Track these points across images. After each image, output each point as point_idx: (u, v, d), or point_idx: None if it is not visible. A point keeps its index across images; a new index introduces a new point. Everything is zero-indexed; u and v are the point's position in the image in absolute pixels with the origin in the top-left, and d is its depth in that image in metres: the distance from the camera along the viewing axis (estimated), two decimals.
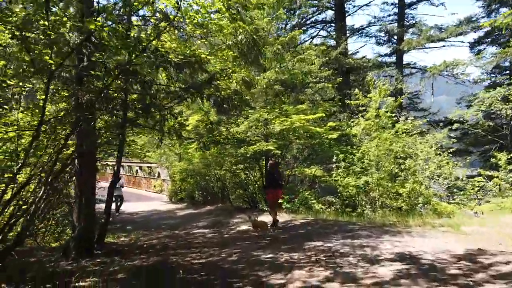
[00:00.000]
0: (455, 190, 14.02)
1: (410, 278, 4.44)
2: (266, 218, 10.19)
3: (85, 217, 6.89)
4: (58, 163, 5.94)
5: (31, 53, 4.77)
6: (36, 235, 8.10)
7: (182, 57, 6.43)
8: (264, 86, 12.35)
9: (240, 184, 15.04)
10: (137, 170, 26.70)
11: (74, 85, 6.05)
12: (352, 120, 12.90)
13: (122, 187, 15.91)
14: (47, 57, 4.84)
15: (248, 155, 12.78)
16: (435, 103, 22.83)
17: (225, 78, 6.89)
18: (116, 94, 7.58)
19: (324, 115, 12.45)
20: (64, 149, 6.68)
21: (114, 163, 29.61)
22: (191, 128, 13.97)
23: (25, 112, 6.77)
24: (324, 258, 5.70)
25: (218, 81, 6.93)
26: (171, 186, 19.37)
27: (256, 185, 14.72)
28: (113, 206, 15.04)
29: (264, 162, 14.21)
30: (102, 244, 7.56)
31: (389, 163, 11.86)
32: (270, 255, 6.18)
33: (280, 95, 13.22)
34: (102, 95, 5.95)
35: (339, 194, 13.52)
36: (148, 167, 24.87)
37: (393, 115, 11.71)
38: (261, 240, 7.72)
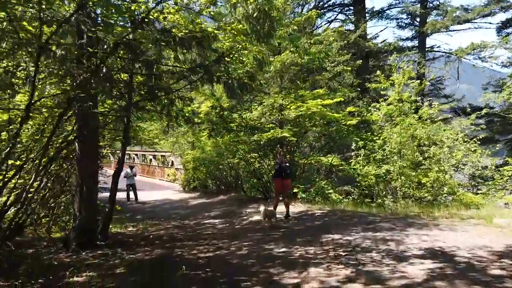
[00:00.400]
0: (479, 179, 13.21)
1: (446, 280, 3.82)
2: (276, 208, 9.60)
3: (86, 207, 6.46)
4: (51, 147, 5.48)
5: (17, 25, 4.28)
6: (38, 225, 7.75)
7: (186, 31, 5.85)
8: (279, 69, 11.67)
9: (254, 173, 14.49)
10: (151, 159, 26.51)
11: (70, 64, 5.55)
12: (373, 104, 12.14)
13: (135, 175, 15.64)
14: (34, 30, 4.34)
15: (262, 143, 12.19)
16: (457, 91, 21.68)
17: (235, 56, 6.25)
18: (119, 76, 7.10)
19: (342, 99, 11.71)
20: (58, 132, 6.25)
21: (128, 152, 29.33)
22: (203, 115, 13.45)
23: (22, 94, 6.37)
24: (344, 254, 5.11)
25: (227, 60, 6.32)
26: (184, 175, 18.99)
27: (271, 174, 14.14)
28: (131, 195, 14.89)
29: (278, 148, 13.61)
30: (107, 234, 7.14)
31: (412, 150, 11.11)
32: (284, 249, 5.63)
33: (296, 79, 12.52)
34: (99, 73, 5.43)
35: (357, 184, 12.90)
36: (162, 156, 24.61)
37: (417, 98, 10.90)
38: (274, 232, 7.17)
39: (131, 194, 15.22)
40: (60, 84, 5.63)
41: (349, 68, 13.22)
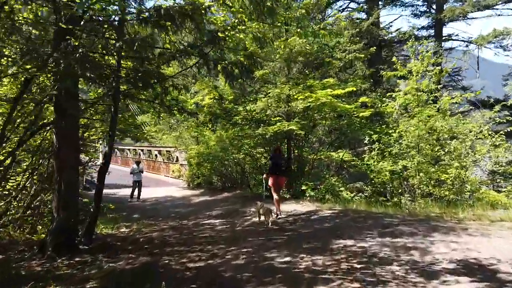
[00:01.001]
0: (500, 176, 12.22)
1: None
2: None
3: (65, 205, 5.72)
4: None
5: None
6: (20, 226, 7.05)
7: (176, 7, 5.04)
8: (286, 57, 10.81)
9: (260, 169, 13.68)
10: (156, 155, 25.88)
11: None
12: (388, 94, 11.18)
13: (142, 172, 14.64)
14: None
15: (267, 137, 11.35)
16: (476, 83, 20.51)
17: (231, 33, 5.40)
18: (102, 59, 6.34)
19: (355, 89, 10.79)
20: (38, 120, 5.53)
21: (134, 147, 28.65)
22: (206, 108, 12.68)
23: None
24: (359, 266, 4.28)
25: (222, 36, 5.47)
26: (188, 171, 18.26)
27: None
28: (135, 192, 14.06)
29: (286, 145, 12.79)
30: (92, 237, 6.40)
31: (431, 144, 10.17)
32: (287, 259, 4.81)
33: (304, 68, 11.64)
34: (74, 54, 4.65)
35: (370, 181, 12.01)
36: (167, 151, 23.93)
37: (439, 86, 9.93)
38: (277, 236, 6.36)
39: (136, 192, 14.32)
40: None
41: (362, 56, 12.25)
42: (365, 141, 10.79)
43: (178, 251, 5.59)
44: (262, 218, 7.92)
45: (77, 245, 5.99)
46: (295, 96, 10.30)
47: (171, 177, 22.37)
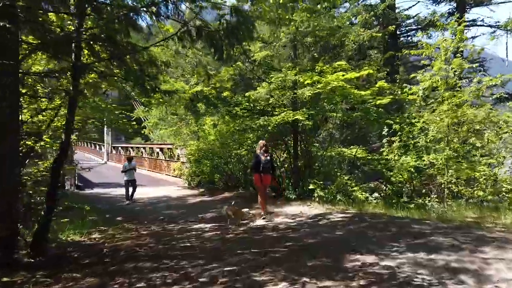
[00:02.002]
0: None
1: None
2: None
3: None
4: None
5: None
6: None
7: None
8: (292, 37, 9.41)
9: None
10: (158, 153, 24.67)
11: None
12: (412, 75, 9.67)
13: (135, 170, 12.90)
14: None
15: (269, 128, 9.94)
16: (505, 69, 18.74)
17: None
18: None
19: (372, 71, 9.31)
20: None
21: (137, 145, 27.44)
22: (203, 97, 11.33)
23: None
24: None
25: None
26: (189, 169, 16.95)
27: (283, 168, 11.93)
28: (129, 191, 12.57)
29: (292, 139, 11.39)
30: (43, 248, 5.09)
31: (461, 136, 8.68)
32: (284, 284, 3.42)
33: (313, 51, 10.22)
34: None
35: (387, 179, 10.57)
36: (168, 148, 22.68)
37: (475, 65, 8.41)
38: (275, 247, 4.95)
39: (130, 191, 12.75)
40: None
41: (379, 35, 10.75)
42: (384, 132, 9.30)
43: (140, 269, 4.23)
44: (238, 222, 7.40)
45: (19, 259, 4.69)
46: (302, 80, 8.87)
47: (172, 176, 21.11)
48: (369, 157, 11.27)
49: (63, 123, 7.27)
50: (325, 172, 11.15)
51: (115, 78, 5.89)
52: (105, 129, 42.43)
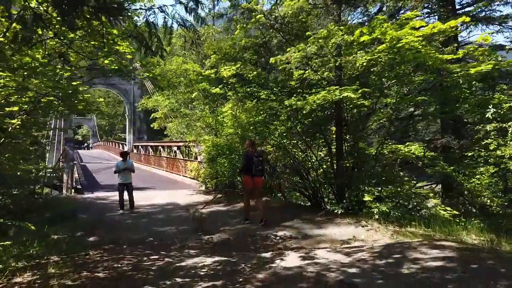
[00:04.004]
0: None
1: None
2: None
3: None
4: None
5: None
6: None
7: None
8: None
9: (295, 168, 9.38)
10: (175, 151, 22.20)
11: None
12: None
13: (132, 170, 9.80)
14: None
15: (304, 113, 7.02)
16: None
17: None
18: None
19: (467, 19, 6.18)
20: None
21: (155, 144, 25.02)
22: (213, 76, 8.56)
23: None
24: None
25: None
26: (205, 169, 14.23)
27: (321, 170, 8.93)
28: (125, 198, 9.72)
29: (335, 132, 8.45)
30: None
31: None
32: None
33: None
34: None
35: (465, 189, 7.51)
36: (185, 147, 20.12)
37: None
38: None
39: (125, 196, 9.63)
40: None
41: None
42: (489, 115, 6.14)
43: None
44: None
45: None
46: (354, 37, 5.88)
47: (189, 177, 18.49)
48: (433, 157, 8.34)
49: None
50: (380, 176, 8.09)
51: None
52: (127, 127, 40.93)
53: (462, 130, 12.44)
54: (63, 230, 7.15)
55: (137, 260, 4.91)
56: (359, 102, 6.17)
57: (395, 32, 5.92)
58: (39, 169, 12.31)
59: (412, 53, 6.01)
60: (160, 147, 25.88)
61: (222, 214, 8.70)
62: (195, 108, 13.17)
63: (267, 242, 5.94)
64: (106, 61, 5.42)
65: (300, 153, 9.44)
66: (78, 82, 5.91)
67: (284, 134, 9.35)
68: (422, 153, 8.40)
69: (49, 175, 18.51)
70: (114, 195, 12.57)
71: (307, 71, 6.75)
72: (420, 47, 5.93)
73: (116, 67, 6.40)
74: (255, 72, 8.00)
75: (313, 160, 8.91)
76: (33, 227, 5.37)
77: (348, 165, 7.79)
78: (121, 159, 9.84)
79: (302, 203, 9.83)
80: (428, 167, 9.22)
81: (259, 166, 7.27)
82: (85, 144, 72.57)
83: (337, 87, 6.33)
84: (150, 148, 29.27)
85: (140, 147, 33.15)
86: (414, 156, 8.55)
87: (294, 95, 6.79)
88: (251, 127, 9.68)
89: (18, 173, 9.26)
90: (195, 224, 7.21)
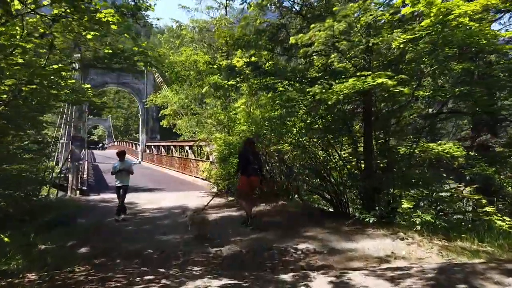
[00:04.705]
0: None
1: None
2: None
3: None
4: None
5: None
6: None
7: None
8: None
9: (316, 169, 8.37)
10: (187, 151, 21.40)
11: None
12: None
13: (130, 172, 8.69)
14: None
15: (327, 106, 6.01)
16: None
17: None
18: None
19: None
20: None
21: (167, 143, 24.33)
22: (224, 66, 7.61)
23: None
24: None
25: None
26: (217, 169, 13.33)
27: (345, 170, 7.88)
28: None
29: (362, 128, 7.44)
30: None
31: None
32: None
33: None
34: None
35: None
36: (198, 146, 19.25)
37: None
38: None
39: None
40: None
41: None
42: None
43: None
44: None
45: None
46: (392, 11, 4.86)
47: (201, 178, 17.66)
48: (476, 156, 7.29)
49: None
50: (417, 179, 7.01)
51: None
52: (140, 126, 40.44)
53: (496, 127, 11.30)
54: (54, 238, 6.34)
55: (128, 281, 4.00)
56: (397, 90, 5.13)
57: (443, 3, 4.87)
58: (39, 169, 11.63)
59: (461, 31, 4.96)
60: (172, 147, 25.16)
61: (234, 220, 7.75)
62: (206, 105, 12.27)
63: (286, 257, 4.96)
64: (89, 36, 4.56)
65: (320, 152, 8.44)
66: (60, 66, 5.09)
67: (303, 131, 8.37)
68: (459, 152, 7.27)
69: (58, 175, 18.00)
70: (129, 198, 11.77)
71: (332, 56, 5.74)
72: (472, 23, 4.88)
73: (110, 50, 5.51)
74: (271, 62, 7.01)
75: (336, 160, 7.89)
76: (6, 239, 4.51)
77: (380, 165, 6.75)
78: (118, 159, 8.77)
79: (324, 207, 8.81)
80: (465, 168, 8.13)
81: (256, 165, 6.93)
82: (100, 145, 72.85)
83: (369, 72, 5.31)
84: (162, 148, 28.61)
85: (152, 147, 32.61)
86: (448, 155, 7.46)
87: (318, 83, 5.77)
88: (266, 123, 8.72)
89: (13, 173, 8.53)
90: (194, 229, 6.55)
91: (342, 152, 8.41)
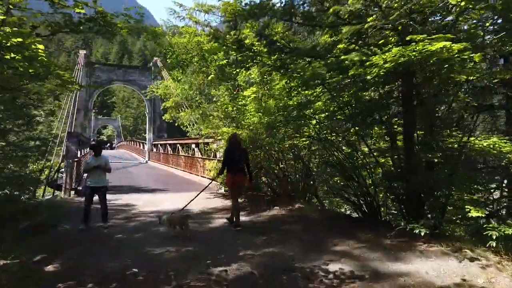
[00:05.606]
0: None
1: None
2: None
3: None
4: None
5: None
6: None
7: None
8: None
9: (339, 167, 7.03)
10: (193, 149, 20.20)
11: None
12: None
13: (107, 170, 7.10)
14: None
15: (368, 79, 4.68)
16: None
17: None
18: None
19: None
20: None
21: (173, 141, 23.17)
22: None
23: None
24: None
25: None
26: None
27: (379, 169, 6.52)
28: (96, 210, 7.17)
29: (403, 118, 6.11)
30: None
31: None
32: None
33: None
34: None
35: None
36: (204, 144, 18.01)
37: None
38: None
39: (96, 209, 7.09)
40: None
41: None
42: None
43: None
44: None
45: None
46: None
47: (207, 178, 16.39)
48: None
49: None
50: (469, 180, 5.62)
51: None
52: (147, 125, 39.47)
53: None
54: (22, 250, 5.11)
55: None
56: (465, 56, 3.77)
57: None
58: (34, 169, 10.63)
59: None
60: (178, 145, 24.00)
61: (244, 228, 6.44)
62: (212, 97, 11.01)
63: (315, 283, 3.65)
64: None
65: (345, 147, 7.10)
66: (29, 31, 3.87)
67: (325, 122, 7.07)
68: (509, 148, 5.85)
69: (55, 174, 16.98)
70: (116, 199, 10.54)
71: (369, 19, 4.41)
72: None
73: (83, 11, 4.25)
74: (289, 34, 5.70)
75: (364, 155, 6.54)
76: None
77: (423, 162, 5.39)
78: (90, 157, 7.29)
79: (353, 212, 7.47)
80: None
81: (241, 163, 6.50)
82: (108, 144, 72.43)
83: (424, 35, 3.96)
84: (168, 147, 27.52)
85: (159, 145, 31.58)
86: (495, 151, 6.05)
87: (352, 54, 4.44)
88: (280, 113, 7.41)
89: None
90: (172, 231, 5.94)
91: (371, 145, 7.07)
